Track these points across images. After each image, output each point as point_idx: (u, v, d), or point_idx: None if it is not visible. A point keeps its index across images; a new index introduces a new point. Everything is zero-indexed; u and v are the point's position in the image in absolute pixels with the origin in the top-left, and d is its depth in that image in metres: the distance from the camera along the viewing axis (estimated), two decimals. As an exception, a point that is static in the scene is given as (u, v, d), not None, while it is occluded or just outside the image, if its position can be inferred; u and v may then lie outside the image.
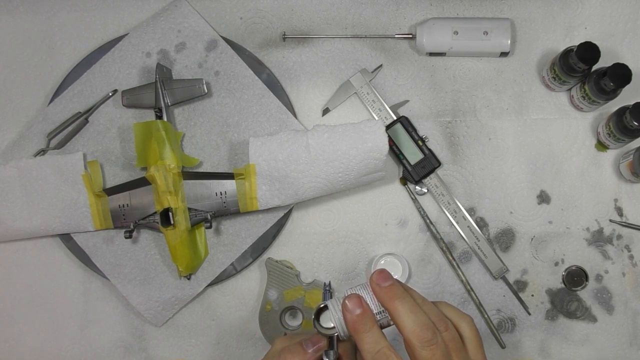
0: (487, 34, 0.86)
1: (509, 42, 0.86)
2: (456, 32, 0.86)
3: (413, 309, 0.58)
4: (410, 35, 0.89)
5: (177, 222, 0.84)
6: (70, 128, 0.88)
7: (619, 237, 0.87)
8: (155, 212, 0.84)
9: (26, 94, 0.91)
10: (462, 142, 0.89)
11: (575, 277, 0.86)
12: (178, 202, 0.84)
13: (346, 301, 0.60)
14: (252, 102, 0.88)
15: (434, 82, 0.90)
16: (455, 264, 0.86)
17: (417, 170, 0.87)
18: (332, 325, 0.62)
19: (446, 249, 0.86)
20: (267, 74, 0.89)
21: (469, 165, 0.88)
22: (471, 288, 0.86)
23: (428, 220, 0.87)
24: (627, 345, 0.85)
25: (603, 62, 0.80)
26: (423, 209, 0.87)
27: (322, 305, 0.63)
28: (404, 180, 0.88)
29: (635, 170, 0.83)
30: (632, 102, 0.80)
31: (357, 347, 0.60)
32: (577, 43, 0.80)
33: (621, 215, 0.87)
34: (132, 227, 0.83)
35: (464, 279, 0.86)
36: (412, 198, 0.88)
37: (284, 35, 0.90)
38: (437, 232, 0.87)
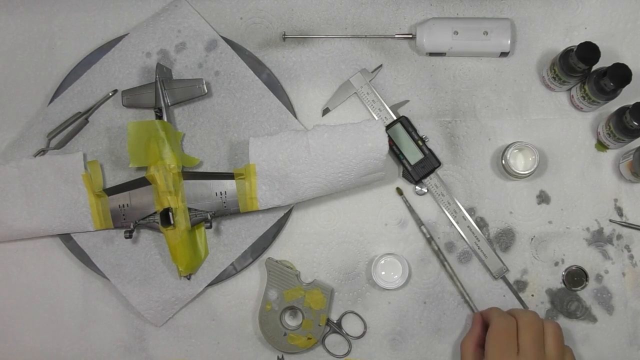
0: (487, 34, 0.86)
1: (509, 42, 0.86)
2: (456, 32, 0.86)
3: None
4: (410, 35, 0.89)
5: (177, 222, 0.84)
6: (70, 128, 0.88)
7: (619, 237, 0.87)
8: (155, 212, 0.84)
9: (26, 94, 0.91)
10: (462, 142, 0.89)
11: (575, 277, 0.86)
12: (178, 202, 0.84)
13: None
14: (252, 102, 0.88)
15: (434, 82, 0.90)
16: (451, 271, 0.86)
17: (417, 170, 0.87)
18: None
19: (443, 258, 0.86)
20: (267, 74, 0.89)
21: (469, 165, 0.88)
22: (467, 293, 0.86)
23: (425, 230, 0.87)
24: (627, 345, 0.85)
25: (603, 62, 0.80)
26: (420, 220, 0.87)
27: None
28: (400, 190, 0.88)
29: (635, 170, 0.83)
30: (632, 102, 0.80)
31: None
32: (577, 43, 0.80)
33: (621, 215, 0.87)
34: (132, 227, 0.83)
35: (459, 284, 0.86)
36: (407, 206, 0.87)
37: (284, 35, 0.90)
38: (437, 245, 0.86)
